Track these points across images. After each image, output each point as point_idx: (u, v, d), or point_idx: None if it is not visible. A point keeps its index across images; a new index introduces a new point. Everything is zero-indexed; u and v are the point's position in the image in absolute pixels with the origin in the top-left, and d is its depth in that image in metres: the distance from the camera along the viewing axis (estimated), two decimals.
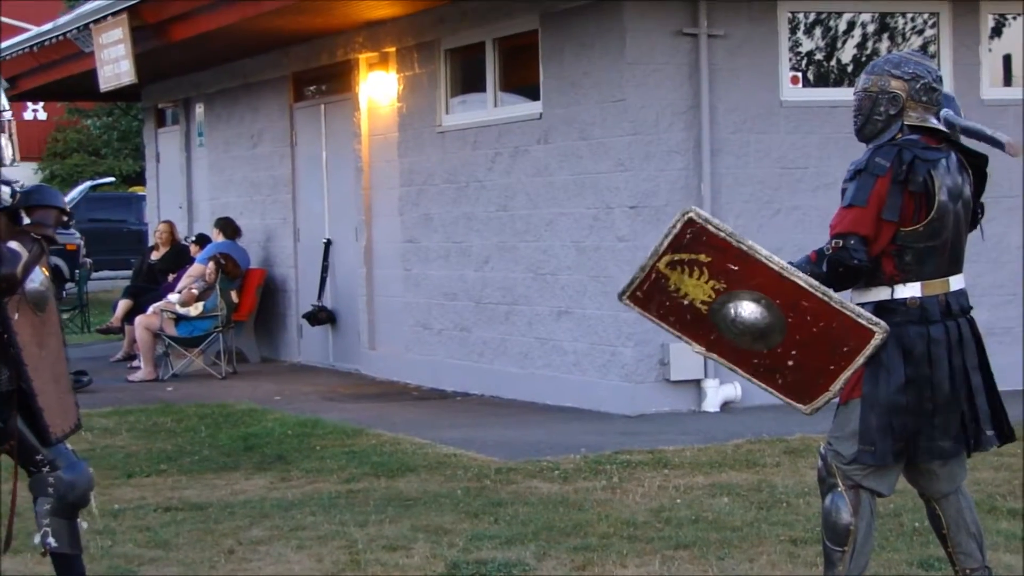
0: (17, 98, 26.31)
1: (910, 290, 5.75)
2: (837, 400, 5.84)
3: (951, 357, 5.77)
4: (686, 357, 11.97)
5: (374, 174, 15.73)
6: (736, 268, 5.61)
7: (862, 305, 5.75)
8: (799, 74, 12.88)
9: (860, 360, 5.63)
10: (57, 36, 17.92)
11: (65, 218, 5.97)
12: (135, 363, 16.32)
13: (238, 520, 8.31)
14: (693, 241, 5.59)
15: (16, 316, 5.81)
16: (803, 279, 5.58)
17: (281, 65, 17.35)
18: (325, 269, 16.60)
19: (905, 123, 5.83)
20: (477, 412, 12.88)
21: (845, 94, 12.81)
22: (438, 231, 14.59)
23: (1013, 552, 7.18)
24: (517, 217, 13.45)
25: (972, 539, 5.95)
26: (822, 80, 13.05)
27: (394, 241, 15.34)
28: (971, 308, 5.92)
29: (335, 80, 16.61)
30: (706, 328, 5.77)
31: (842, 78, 13.07)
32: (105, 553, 7.53)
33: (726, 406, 12.27)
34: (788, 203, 12.54)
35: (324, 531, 7.98)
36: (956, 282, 5.85)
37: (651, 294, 5.76)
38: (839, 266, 5.67)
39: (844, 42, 13.14)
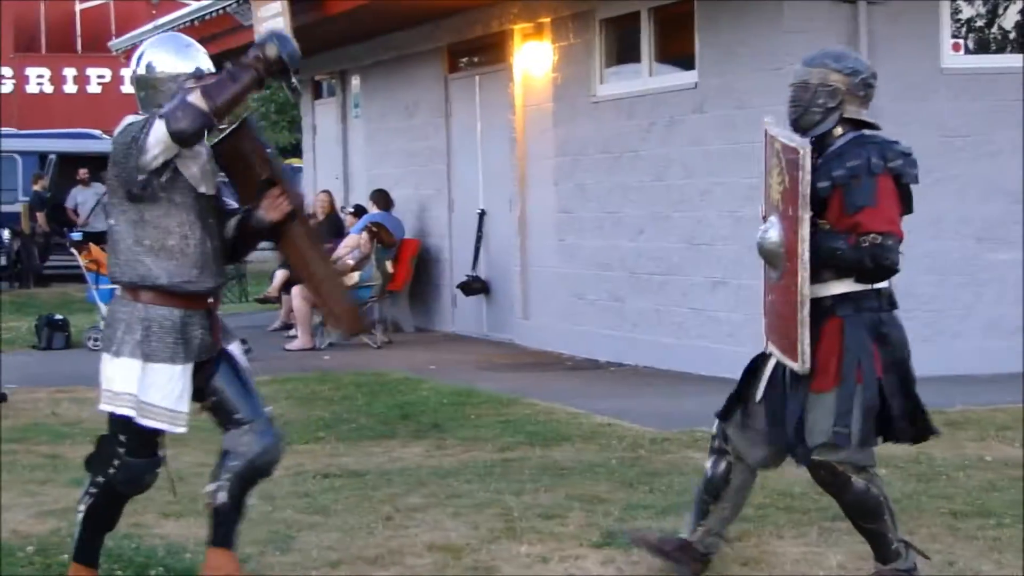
0: None
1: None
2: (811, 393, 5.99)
3: None
4: None
5: (528, 144, 15.75)
6: None
7: (842, 295, 5.82)
8: (960, 41, 12.65)
9: None
10: (217, 10, 18.17)
11: None
12: (292, 332, 16.53)
13: (395, 487, 8.39)
14: None
15: None
16: None
17: (435, 37, 17.42)
18: (479, 239, 16.67)
19: (844, 116, 5.87)
20: (631, 382, 12.87)
21: (1009, 61, 12.66)
22: (592, 201, 14.57)
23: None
24: (672, 187, 13.38)
25: (731, 513, 6.29)
26: (984, 47, 12.81)
27: (548, 211, 15.35)
28: None
29: (489, 51, 16.64)
30: None
31: (1004, 44, 12.81)
32: (265, 518, 7.64)
33: None
34: (948, 172, 12.32)
35: (480, 499, 8.01)
36: None
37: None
38: (875, 261, 5.72)
39: (1006, 8, 12.87)
